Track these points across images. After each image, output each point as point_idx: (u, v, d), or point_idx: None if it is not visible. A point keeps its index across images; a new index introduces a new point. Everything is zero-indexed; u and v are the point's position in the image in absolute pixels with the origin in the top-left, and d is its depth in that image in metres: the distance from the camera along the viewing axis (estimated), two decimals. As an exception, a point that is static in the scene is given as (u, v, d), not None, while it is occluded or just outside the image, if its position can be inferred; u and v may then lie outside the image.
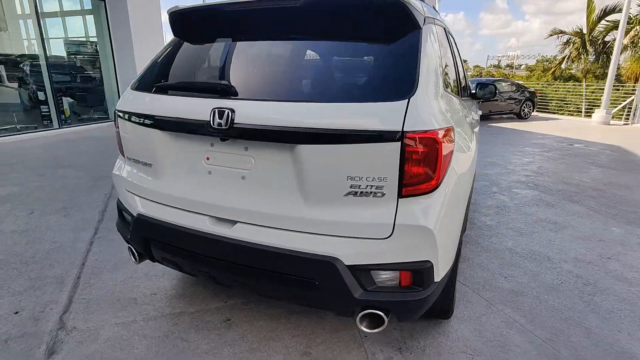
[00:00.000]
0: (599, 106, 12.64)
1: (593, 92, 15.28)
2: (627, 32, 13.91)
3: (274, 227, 1.53)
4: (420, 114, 1.37)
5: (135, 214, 1.87)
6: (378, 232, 1.42)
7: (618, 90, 14.02)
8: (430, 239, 1.42)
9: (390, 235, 1.42)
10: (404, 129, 1.34)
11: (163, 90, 1.82)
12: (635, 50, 15.32)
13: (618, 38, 11.05)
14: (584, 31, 16.95)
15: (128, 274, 2.59)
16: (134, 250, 1.98)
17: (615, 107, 11.90)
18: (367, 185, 1.41)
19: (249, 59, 1.86)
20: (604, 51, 16.76)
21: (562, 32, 17.61)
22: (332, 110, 1.42)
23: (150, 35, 9.90)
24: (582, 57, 17.25)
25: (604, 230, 3.55)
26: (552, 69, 21.53)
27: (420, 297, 1.48)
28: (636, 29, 14.87)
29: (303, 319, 2.17)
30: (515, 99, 12.97)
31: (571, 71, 22.33)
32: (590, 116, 13.14)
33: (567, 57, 17.98)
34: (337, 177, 1.43)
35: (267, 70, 1.81)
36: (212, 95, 1.63)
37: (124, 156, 2.00)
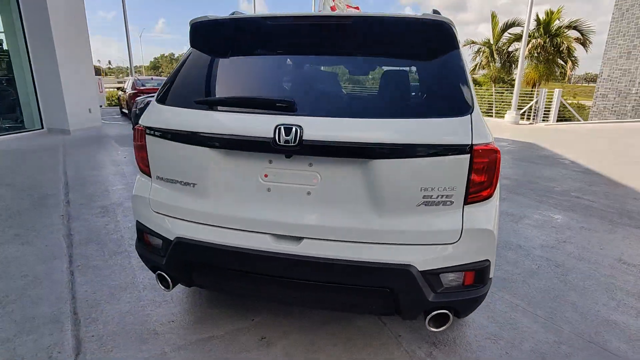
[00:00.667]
0: (506, 108, 14.41)
1: (502, 95, 17.38)
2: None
3: (345, 241, 1.57)
4: (480, 128, 1.52)
5: (171, 238, 1.75)
6: (448, 238, 1.54)
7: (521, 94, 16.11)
8: (491, 240, 1.58)
9: (458, 240, 1.54)
10: (473, 142, 1.48)
11: (207, 105, 1.72)
12: (532, 60, 17.82)
13: (522, 50, 12.76)
14: (492, 41, 19.24)
15: (132, 303, 2.37)
16: (167, 276, 1.84)
17: (522, 108, 13.71)
18: (438, 195, 1.52)
19: (307, 76, 1.86)
20: (508, 60, 19.21)
21: (473, 42, 19.78)
22: (405, 126, 1.50)
23: (73, 31, 8.87)
24: (491, 65, 19.54)
25: (551, 218, 4.13)
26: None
27: (481, 294, 1.63)
28: (532, 42, 17.29)
29: (336, 327, 2.21)
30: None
31: (475, 76, 25.01)
32: (502, 117, 14.91)
33: (478, 64, 20.20)
34: (411, 189, 1.51)
35: (329, 87, 1.82)
36: (271, 111, 1.60)
37: (149, 176, 1.85)
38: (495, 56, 19.47)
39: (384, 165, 1.50)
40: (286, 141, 1.50)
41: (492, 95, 17.77)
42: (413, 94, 1.80)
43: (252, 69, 1.91)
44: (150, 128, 1.76)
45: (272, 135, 1.53)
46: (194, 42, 1.92)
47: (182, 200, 1.75)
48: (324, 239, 1.58)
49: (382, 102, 1.70)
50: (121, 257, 2.94)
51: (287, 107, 1.58)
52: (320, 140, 1.50)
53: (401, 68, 1.80)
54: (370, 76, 1.83)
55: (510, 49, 19.00)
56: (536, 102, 13.17)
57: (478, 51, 19.94)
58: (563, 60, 18.02)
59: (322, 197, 1.59)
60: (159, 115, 1.77)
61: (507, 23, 18.21)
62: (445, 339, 2.16)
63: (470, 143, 1.48)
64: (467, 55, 21.15)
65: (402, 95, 1.75)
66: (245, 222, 1.66)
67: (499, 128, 12.61)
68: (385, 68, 1.82)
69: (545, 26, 17.62)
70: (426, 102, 1.67)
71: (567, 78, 21.67)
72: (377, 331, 2.20)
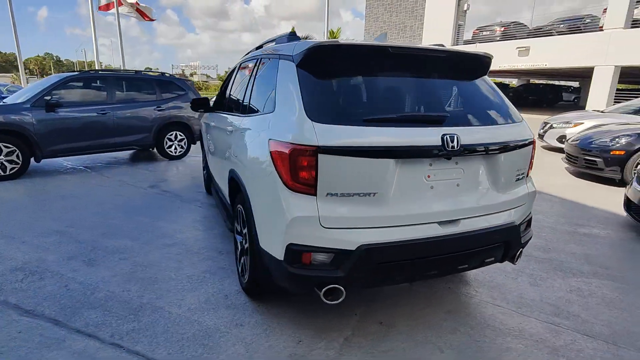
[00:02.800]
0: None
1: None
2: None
3: (484, 214, 2.15)
4: (529, 128, 2.39)
5: (352, 247, 1.87)
6: (522, 201, 2.36)
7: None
8: (532, 199, 2.49)
9: (525, 202, 2.38)
10: (531, 139, 2.34)
11: (377, 122, 1.92)
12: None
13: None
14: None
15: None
16: (343, 286, 1.92)
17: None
18: (521, 173, 2.31)
19: (423, 93, 2.23)
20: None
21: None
22: (508, 130, 2.21)
23: None
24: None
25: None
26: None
27: (531, 235, 2.53)
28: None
29: (408, 300, 2.70)
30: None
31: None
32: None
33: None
34: (512, 171, 2.24)
35: (440, 102, 2.26)
36: (424, 124, 2.00)
37: (312, 195, 1.86)
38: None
39: (500, 157, 2.17)
40: (452, 147, 1.96)
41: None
42: (494, 105, 2.49)
43: (380, 88, 2.18)
44: (324, 147, 1.80)
45: (439, 143, 1.94)
46: (325, 63, 2.05)
47: (362, 210, 1.89)
48: (471, 217, 2.12)
49: (482, 113, 2.33)
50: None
51: (440, 120, 2.02)
52: (470, 144, 2.03)
53: (483, 87, 2.44)
54: (451, 92, 2.43)
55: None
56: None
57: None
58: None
59: (466, 186, 2.12)
60: (330, 134, 1.83)
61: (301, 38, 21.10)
62: (491, 282, 2.98)
63: (532, 139, 2.33)
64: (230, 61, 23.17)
65: (490, 107, 2.41)
66: (418, 217, 1.99)
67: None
68: (475, 89, 2.43)
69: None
70: (503, 112, 2.41)
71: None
72: (432, 292, 2.82)
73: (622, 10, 13.21)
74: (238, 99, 3.12)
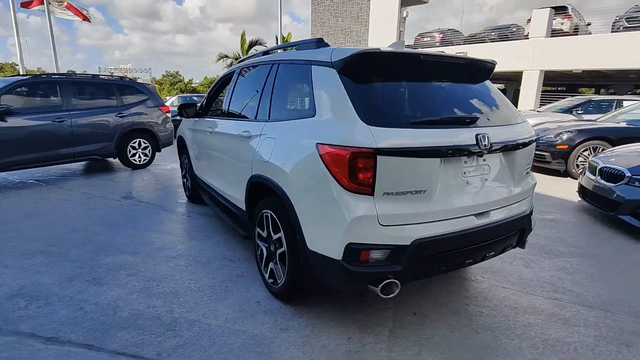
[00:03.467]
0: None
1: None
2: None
3: (506, 205, 2.40)
4: (531, 127, 2.70)
5: (408, 243, 2.00)
6: (531, 190, 2.65)
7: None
8: (534, 189, 2.80)
9: (532, 194, 2.68)
10: (535, 136, 2.64)
11: (423, 125, 2.07)
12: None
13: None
14: (242, 55, 21.49)
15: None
16: (399, 280, 2.03)
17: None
18: (528, 167, 2.60)
19: (450, 97, 2.41)
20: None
21: (226, 56, 21.43)
22: (520, 128, 2.48)
23: None
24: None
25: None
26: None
27: (535, 222, 2.84)
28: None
29: (421, 289, 2.89)
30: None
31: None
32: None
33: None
34: (524, 165, 2.52)
35: (467, 104, 2.44)
36: (463, 125, 2.20)
37: (369, 195, 1.96)
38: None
39: (517, 153, 2.43)
40: (484, 145, 2.16)
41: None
42: (504, 106, 2.72)
43: (417, 92, 2.31)
44: (382, 149, 1.90)
45: (474, 142, 2.14)
46: (366, 69, 2.17)
47: (414, 206, 2.02)
48: (498, 208, 2.35)
49: (498, 113, 2.55)
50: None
51: (472, 121, 2.23)
52: (496, 142, 2.25)
53: (492, 90, 2.67)
54: (470, 94, 2.65)
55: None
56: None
57: (230, 64, 21.77)
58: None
59: (492, 180, 2.34)
60: (385, 136, 1.93)
61: (252, 41, 20.92)
62: (484, 266, 3.26)
63: (535, 137, 2.64)
64: (221, 67, 22.63)
65: (502, 107, 2.65)
66: (459, 210, 2.16)
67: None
68: (485, 92, 2.64)
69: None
70: (510, 113, 2.66)
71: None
72: (447, 281, 3.05)
73: (543, 21, 14.90)
74: (251, 105, 3.09)
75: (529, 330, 2.39)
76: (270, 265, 2.64)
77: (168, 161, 7.91)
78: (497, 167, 2.38)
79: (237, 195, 3.11)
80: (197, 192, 4.57)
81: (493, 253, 2.47)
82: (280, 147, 2.46)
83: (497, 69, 2.74)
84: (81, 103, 6.24)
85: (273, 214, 2.50)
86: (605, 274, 3.20)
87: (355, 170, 1.94)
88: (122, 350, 2.09)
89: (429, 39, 19.66)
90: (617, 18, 14.51)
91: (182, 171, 5.25)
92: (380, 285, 2.02)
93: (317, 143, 2.10)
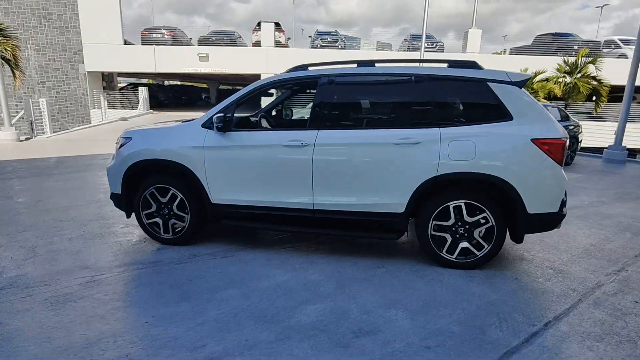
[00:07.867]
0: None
1: None
2: None
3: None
4: None
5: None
6: None
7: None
8: None
9: None
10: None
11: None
12: None
13: None
14: None
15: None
16: None
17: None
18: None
19: None
20: None
21: None
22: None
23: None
24: None
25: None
26: None
27: None
28: None
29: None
30: None
31: None
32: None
33: None
34: None
35: None
36: None
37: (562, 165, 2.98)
38: None
39: None
40: None
41: None
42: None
43: None
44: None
45: None
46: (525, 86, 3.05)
47: None
48: None
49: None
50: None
51: None
52: None
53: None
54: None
55: None
56: (24, 113, 11.55)
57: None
58: None
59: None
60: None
61: None
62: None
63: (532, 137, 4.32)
64: None
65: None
66: None
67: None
68: None
69: None
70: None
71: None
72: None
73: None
74: (401, 114, 3.45)
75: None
76: (461, 245, 3.10)
77: None
78: None
79: (385, 201, 3.09)
80: (201, 227, 3.52)
81: None
82: (487, 146, 2.94)
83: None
84: None
85: (470, 202, 2.98)
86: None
87: (564, 152, 2.91)
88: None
89: (159, 35, 18.67)
90: (314, 37, 19.73)
91: (144, 210, 3.48)
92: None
93: (531, 139, 2.87)
